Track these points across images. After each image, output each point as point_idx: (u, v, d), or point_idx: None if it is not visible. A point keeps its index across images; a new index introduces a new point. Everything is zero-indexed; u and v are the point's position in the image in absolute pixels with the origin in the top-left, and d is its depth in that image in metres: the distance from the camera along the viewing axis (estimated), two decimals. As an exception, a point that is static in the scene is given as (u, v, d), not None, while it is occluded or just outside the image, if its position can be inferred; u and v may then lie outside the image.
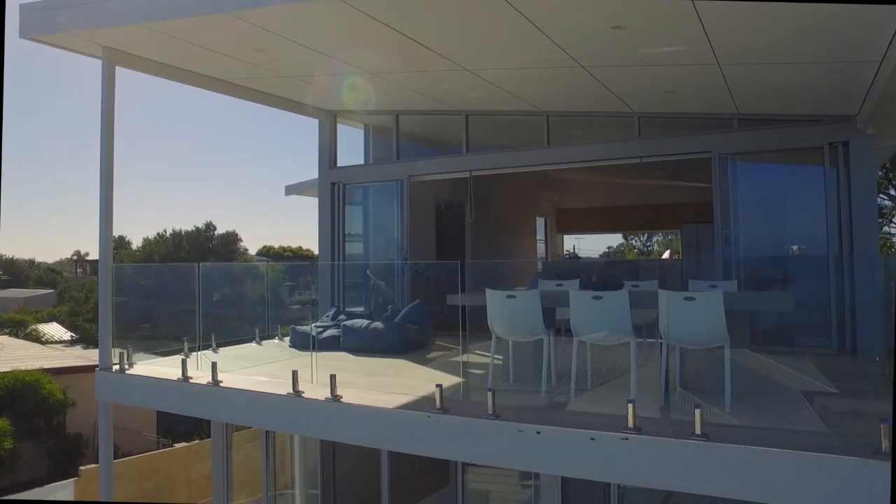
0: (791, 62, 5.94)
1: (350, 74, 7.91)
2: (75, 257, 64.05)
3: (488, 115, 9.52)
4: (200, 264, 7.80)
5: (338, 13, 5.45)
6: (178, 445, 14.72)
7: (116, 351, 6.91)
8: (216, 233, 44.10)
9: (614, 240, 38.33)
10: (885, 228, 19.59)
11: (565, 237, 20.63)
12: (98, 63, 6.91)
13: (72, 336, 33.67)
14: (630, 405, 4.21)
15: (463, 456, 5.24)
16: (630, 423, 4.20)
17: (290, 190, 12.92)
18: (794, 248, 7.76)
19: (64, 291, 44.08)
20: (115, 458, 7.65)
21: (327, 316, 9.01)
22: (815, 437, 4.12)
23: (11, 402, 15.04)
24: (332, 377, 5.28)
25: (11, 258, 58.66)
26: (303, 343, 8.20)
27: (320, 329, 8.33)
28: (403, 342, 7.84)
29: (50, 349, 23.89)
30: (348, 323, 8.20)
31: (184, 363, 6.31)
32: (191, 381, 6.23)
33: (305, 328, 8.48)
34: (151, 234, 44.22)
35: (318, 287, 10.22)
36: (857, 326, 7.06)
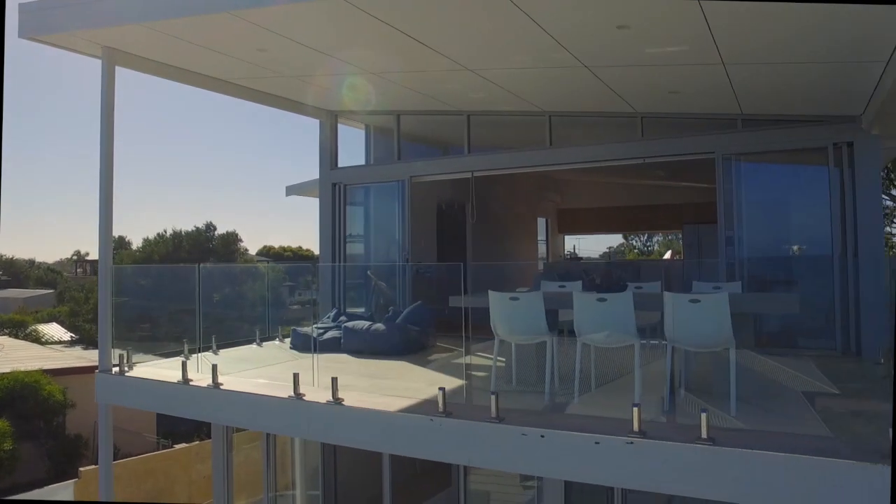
0: (796, 62, 5.89)
1: (351, 74, 7.86)
2: (75, 257, 64.06)
3: (490, 115, 9.47)
4: (201, 265, 7.76)
5: (339, 12, 5.40)
6: (178, 446, 14.69)
7: (116, 352, 6.87)
8: (216, 233, 44.08)
9: (614, 240, 38.29)
10: (887, 229, 19.58)
11: (566, 238, 20.60)
12: (98, 63, 6.87)
13: (72, 336, 33.64)
14: (635, 409, 4.17)
15: (466, 460, 5.19)
16: (635, 426, 4.16)
17: (291, 190, 12.88)
18: (795, 248, 7.72)
19: (64, 292, 44.06)
20: (114, 460, 7.61)
21: (328, 317, 8.97)
22: (820, 441, 4.08)
23: (11, 403, 15.00)
24: (334, 380, 5.23)
25: (11, 258, 58.67)
26: (303, 344, 8.15)
27: (321, 331, 8.28)
28: (405, 344, 7.79)
29: (50, 350, 23.85)
30: (349, 324, 8.16)
31: (184, 365, 6.26)
32: (191, 383, 6.19)
33: (306, 329, 8.44)
34: (151, 235, 44.25)
35: (318, 287, 10.18)
36: (862, 328, 7.02)
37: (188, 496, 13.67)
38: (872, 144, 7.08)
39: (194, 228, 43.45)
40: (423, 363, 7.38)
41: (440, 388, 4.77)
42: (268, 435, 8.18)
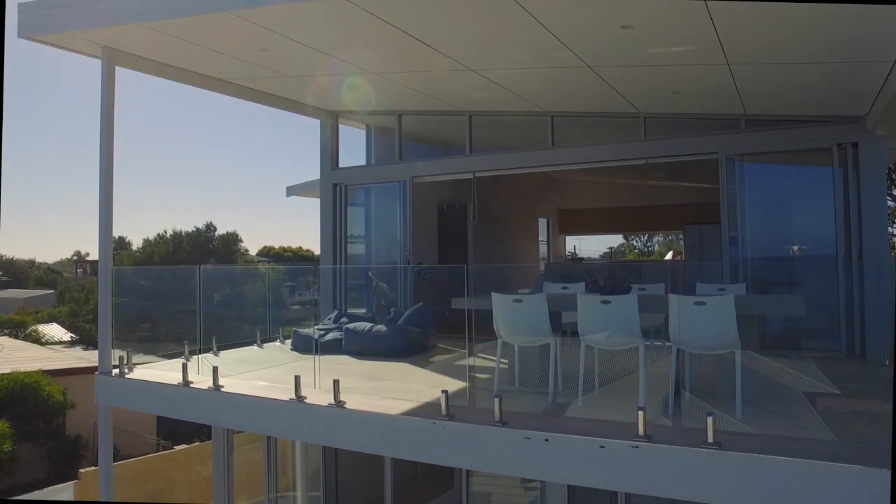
0: (801, 62, 5.85)
1: (352, 74, 7.82)
2: (75, 257, 64.04)
3: (492, 115, 9.43)
4: (201, 266, 7.72)
5: (341, 12, 5.36)
6: (178, 448, 14.64)
7: (116, 353, 6.83)
8: (216, 233, 44.03)
9: (615, 240, 38.29)
10: (889, 230, 19.52)
11: (567, 238, 20.57)
12: (98, 63, 6.83)
13: (72, 337, 33.60)
14: (640, 413, 4.12)
15: (469, 464, 5.14)
16: (640, 430, 4.11)
17: (292, 191, 12.85)
18: (795, 248, 7.68)
19: (64, 292, 44.01)
20: (114, 461, 7.57)
21: (329, 318, 8.92)
22: (826, 446, 4.03)
23: (11, 404, 14.96)
24: (336, 382, 5.19)
25: (11, 259, 58.64)
26: (304, 346, 8.11)
27: (322, 332, 8.24)
28: (406, 345, 7.75)
29: (50, 350, 23.81)
30: (351, 326, 8.11)
31: (184, 367, 6.22)
32: (191, 385, 6.14)
33: (307, 331, 8.40)
34: (152, 235, 44.19)
35: (318, 288, 10.14)
36: (867, 329, 6.98)
37: (188, 497, 13.62)
38: (877, 145, 7.03)
39: (194, 229, 43.43)
40: (425, 365, 7.34)
41: (443, 391, 4.72)
42: (269, 436, 8.14)
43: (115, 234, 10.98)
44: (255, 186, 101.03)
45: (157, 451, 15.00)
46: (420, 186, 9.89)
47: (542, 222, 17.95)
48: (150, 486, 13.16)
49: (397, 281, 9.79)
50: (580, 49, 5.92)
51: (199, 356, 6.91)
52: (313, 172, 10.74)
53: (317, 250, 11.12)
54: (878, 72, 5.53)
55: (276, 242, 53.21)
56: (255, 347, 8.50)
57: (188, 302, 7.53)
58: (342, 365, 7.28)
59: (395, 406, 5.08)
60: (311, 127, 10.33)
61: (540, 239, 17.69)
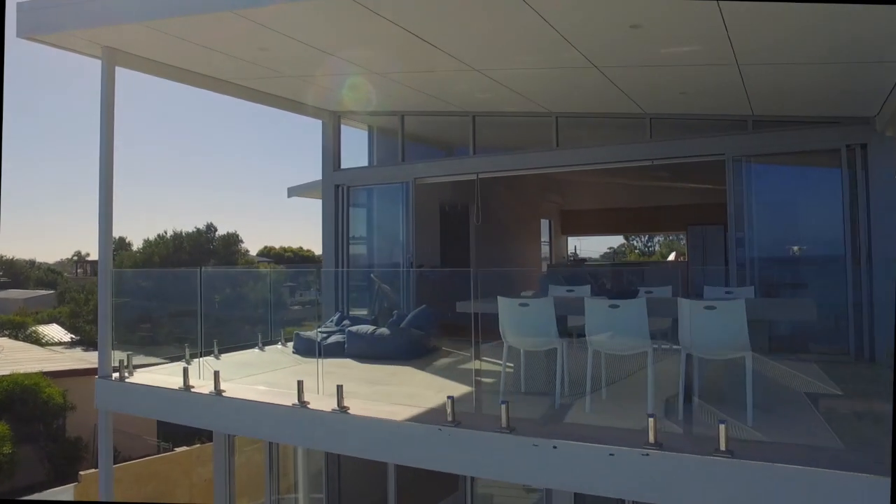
0: (810, 62, 5.77)
1: (354, 74, 7.74)
2: (76, 258, 63.98)
3: (496, 116, 9.35)
4: (202, 269, 7.65)
5: (344, 11, 5.29)
6: (178, 449, 14.58)
7: (116, 355, 6.75)
8: (217, 234, 43.95)
9: (615, 241, 38.17)
10: None
11: (569, 239, 20.51)
12: (98, 63, 6.75)
13: (72, 338, 33.50)
14: (651, 420, 4.04)
15: (476, 471, 5.07)
16: (651, 438, 4.03)
17: (293, 192, 12.77)
18: (795, 248, 7.60)
19: (64, 292, 43.92)
20: (115, 463, 7.51)
21: (331, 321, 8.85)
22: (838, 454, 3.96)
23: (10, 406, 14.89)
24: (339, 388, 5.11)
25: (12, 259, 58.58)
26: (306, 349, 8.03)
27: (324, 335, 8.16)
28: (410, 348, 7.67)
29: (50, 351, 23.73)
30: (353, 329, 8.04)
31: (185, 372, 6.13)
32: (192, 390, 6.06)
33: (309, 333, 8.32)
34: (152, 236, 44.10)
35: (318, 288, 10.08)
36: (876, 332, 6.90)
37: (189, 500, 13.55)
38: (887, 146, 6.95)
39: (195, 229, 43.33)
40: (429, 368, 7.27)
41: (449, 397, 4.65)
42: (270, 440, 8.07)
43: (116, 234, 10.92)
44: (256, 187, 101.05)
45: (158, 452, 14.94)
46: (422, 187, 9.82)
47: (545, 223, 17.89)
48: (150, 489, 13.09)
49: (400, 283, 9.71)
50: (587, 49, 5.84)
51: (200, 359, 6.84)
52: (314, 173, 10.69)
53: (317, 250, 11.09)
54: (888, 72, 5.45)
55: (277, 243, 53.14)
56: (256, 350, 8.42)
57: (189, 302, 7.46)
58: (345, 368, 7.20)
59: (399, 412, 5.00)
60: (310, 128, 10.27)
61: (542, 240, 17.63)
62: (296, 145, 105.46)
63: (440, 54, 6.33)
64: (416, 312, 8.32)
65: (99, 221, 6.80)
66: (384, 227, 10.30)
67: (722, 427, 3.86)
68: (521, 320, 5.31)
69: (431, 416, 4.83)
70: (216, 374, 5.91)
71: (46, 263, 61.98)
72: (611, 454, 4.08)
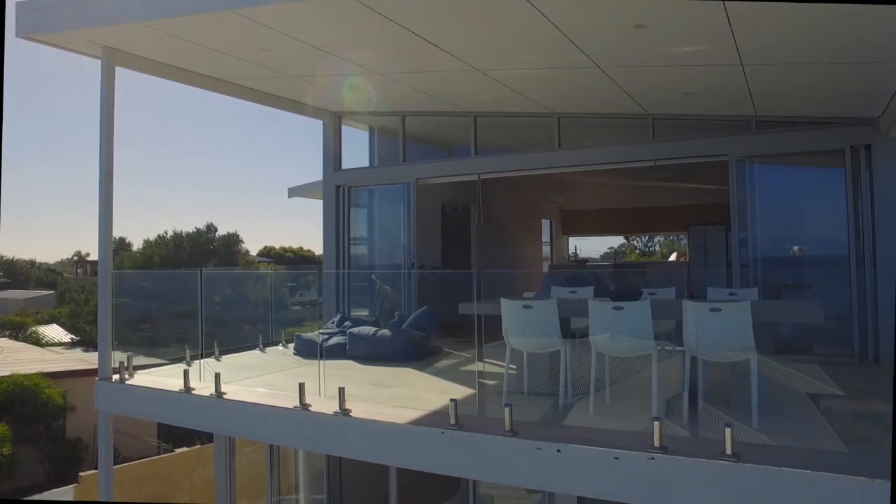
0: (815, 62, 5.73)
1: (356, 75, 7.71)
2: (76, 258, 63.94)
3: (497, 116, 9.31)
4: (203, 270, 7.62)
5: (346, 10, 5.26)
6: (179, 450, 14.54)
7: (116, 356, 6.71)
8: (217, 234, 43.88)
9: (615, 241, 38.08)
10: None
11: (570, 239, 20.48)
12: (98, 63, 6.72)
13: (72, 338, 33.44)
14: (656, 423, 4.01)
15: (479, 475, 5.03)
16: (656, 441, 3.99)
17: (294, 192, 12.74)
18: (795, 248, 7.56)
19: (65, 292, 43.85)
20: (115, 464, 7.47)
21: (332, 322, 8.81)
22: (843, 458, 3.93)
23: (10, 407, 14.85)
24: (341, 390, 5.07)
25: (12, 259, 58.53)
26: (307, 350, 7.99)
27: (325, 336, 8.12)
28: (412, 350, 7.63)
29: (50, 352, 23.69)
30: (355, 330, 8.00)
31: (186, 374, 6.09)
32: (193, 392, 6.02)
33: (311, 335, 8.28)
34: (152, 236, 44.01)
35: (318, 288, 10.05)
36: (881, 334, 6.86)
37: (190, 500, 13.51)
38: (891, 147, 6.91)
39: (195, 230, 43.22)
40: (431, 370, 7.23)
41: (451, 400, 4.61)
42: (271, 442, 8.02)
43: (116, 234, 10.89)
44: (256, 187, 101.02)
45: (158, 453, 14.90)
46: (423, 187, 9.79)
47: (545, 223, 17.86)
48: (150, 490, 13.05)
49: (401, 284, 9.67)
50: (591, 49, 5.80)
51: (201, 361, 6.80)
52: (315, 174, 10.65)
53: (318, 250, 11.08)
54: (893, 73, 5.41)
55: (277, 243, 53.10)
56: (257, 352, 8.38)
57: (189, 303, 7.43)
58: (346, 370, 7.16)
59: (401, 414, 4.96)
60: (310, 128, 10.24)
61: (543, 240, 17.60)
62: (296, 146, 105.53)
63: (442, 54, 6.29)
64: (418, 313, 8.28)
65: (99, 222, 6.76)
66: (385, 227, 10.27)
67: (728, 431, 3.82)
68: (525, 322, 5.27)
69: (434, 419, 4.79)
70: (217, 376, 5.87)
71: (46, 264, 61.98)
72: (615, 458, 4.04)
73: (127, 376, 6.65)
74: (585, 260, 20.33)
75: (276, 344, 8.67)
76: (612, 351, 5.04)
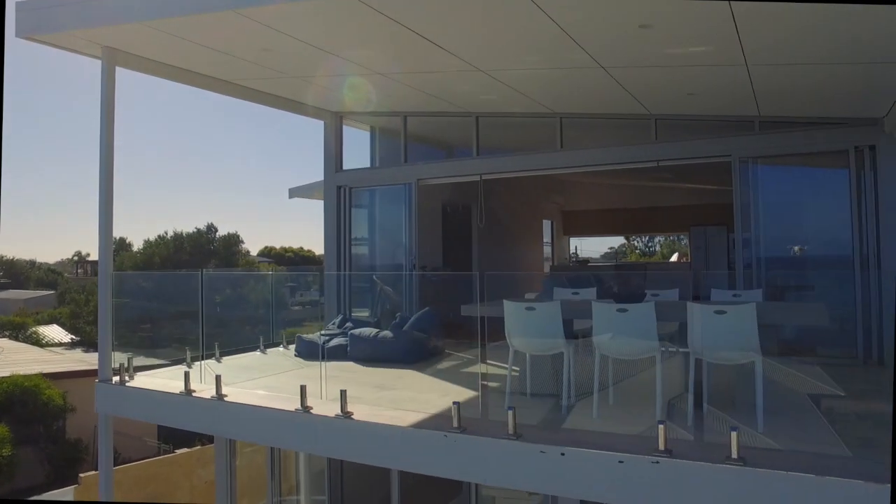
0: (820, 62, 5.69)
1: (358, 75, 7.67)
2: (76, 258, 63.89)
3: (499, 117, 9.27)
4: (203, 271, 7.59)
5: (348, 10, 5.22)
6: (179, 451, 14.51)
7: (116, 356, 6.68)
8: (217, 234, 43.82)
9: (615, 241, 38.02)
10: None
11: (571, 239, 20.45)
12: (98, 63, 6.68)
13: (72, 339, 33.41)
14: (661, 427, 3.97)
15: (483, 479, 4.99)
16: (661, 445, 3.96)
17: (294, 193, 12.70)
18: (796, 248, 7.53)
19: (65, 293, 43.81)
20: (115, 465, 7.44)
21: (333, 323, 8.78)
22: (849, 462, 3.88)
23: (10, 408, 14.82)
24: (343, 393, 5.03)
25: (12, 259, 58.48)
26: (308, 352, 7.95)
27: (327, 338, 8.08)
28: (413, 351, 7.60)
29: (50, 353, 23.65)
30: (356, 332, 7.96)
31: (186, 376, 6.06)
32: (194, 394, 5.98)
33: (312, 336, 8.25)
34: (152, 236, 43.93)
35: (320, 288, 10.02)
36: (885, 335, 6.82)
37: (190, 501, 13.48)
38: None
39: (195, 230, 43.15)
40: (433, 371, 7.20)
41: (454, 403, 4.57)
42: (272, 444, 7.98)
43: (116, 234, 10.85)
44: (257, 188, 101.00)
45: (158, 454, 14.86)
46: (424, 188, 9.75)
47: (546, 224, 17.83)
48: (151, 491, 13.02)
49: (402, 285, 9.64)
50: (594, 49, 5.76)
51: (202, 363, 6.76)
52: (315, 174, 10.62)
53: (318, 250, 11.07)
54: (897, 73, 5.38)
55: (277, 243, 53.06)
56: (257, 353, 8.35)
57: (189, 303, 7.39)
58: (348, 372, 7.12)
59: (404, 417, 4.92)
60: (314, 128, 10.20)
61: (544, 241, 17.58)
62: (297, 146, 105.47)
63: (443, 53, 6.26)
64: (420, 315, 8.25)
65: (99, 222, 6.72)
66: (386, 228, 10.23)
67: (734, 434, 3.78)
68: (528, 325, 5.23)
69: (436, 422, 4.76)
70: (218, 378, 5.84)
71: (47, 264, 61.91)
72: (620, 461, 4.01)
73: (127, 378, 6.62)
74: (587, 260, 20.28)
75: (276, 345, 8.63)
76: (617, 353, 5.00)
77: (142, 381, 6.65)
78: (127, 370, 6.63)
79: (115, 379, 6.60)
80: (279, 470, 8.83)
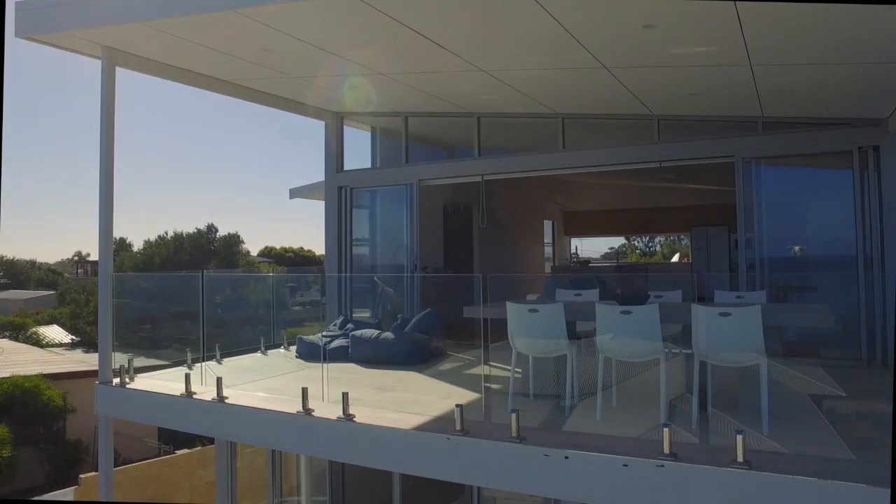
0: (824, 62, 5.66)
1: (359, 75, 7.64)
2: (76, 258, 63.84)
3: (501, 117, 9.24)
4: (204, 272, 7.56)
5: (350, 10, 5.19)
6: (179, 452, 14.49)
7: (117, 357, 6.65)
8: (218, 235, 43.79)
9: (616, 241, 37.96)
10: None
11: (572, 240, 20.42)
12: (98, 63, 6.65)
13: (72, 339, 33.37)
14: (665, 430, 3.94)
15: (486, 482, 4.97)
16: (665, 448, 3.93)
17: (295, 193, 12.68)
18: (796, 248, 7.49)
19: (65, 293, 43.76)
20: (115, 466, 7.41)
21: (334, 325, 8.74)
22: (854, 465, 3.86)
23: (10, 409, 14.79)
24: (345, 395, 5.00)
25: (12, 259, 58.44)
26: (309, 353, 7.92)
27: (328, 339, 8.05)
28: (415, 353, 7.56)
29: (50, 353, 23.62)
30: (357, 333, 7.93)
31: (187, 378, 6.02)
32: (194, 396, 5.95)
33: (313, 338, 8.21)
34: (152, 236, 43.88)
35: (321, 289, 9.99)
36: (888, 336, 6.78)
37: (190, 502, 13.46)
38: (900, 149, 6.84)
39: (195, 230, 43.11)
40: (435, 373, 7.17)
41: (457, 405, 4.54)
42: (273, 446, 7.95)
43: (116, 235, 10.83)
44: (257, 188, 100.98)
45: (159, 455, 14.83)
46: (425, 188, 9.72)
47: (547, 224, 17.80)
48: (151, 491, 13.00)
49: (403, 285, 9.61)
50: (597, 49, 5.73)
51: (203, 364, 6.73)
52: (316, 174, 10.59)
53: (318, 250, 11.05)
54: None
55: (278, 243, 53.03)
56: (258, 354, 8.31)
57: (190, 304, 7.36)
58: (349, 374, 7.09)
59: (406, 420, 4.89)
60: (314, 129, 10.18)
61: (545, 241, 17.55)
62: (297, 146, 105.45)
63: (445, 53, 6.23)
64: (421, 316, 8.22)
65: (99, 223, 6.70)
66: (388, 228, 10.20)
67: (739, 438, 3.75)
68: (531, 326, 5.20)
69: (439, 425, 4.73)
70: (219, 380, 5.80)
71: (47, 264, 61.85)
72: (624, 465, 3.97)
73: (127, 380, 6.59)
74: (587, 260, 20.25)
75: (277, 346, 8.60)
76: (620, 355, 4.97)
77: (142, 382, 6.62)
78: (127, 371, 6.61)
79: (116, 381, 6.57)
80: (280, 471, 8.80)
